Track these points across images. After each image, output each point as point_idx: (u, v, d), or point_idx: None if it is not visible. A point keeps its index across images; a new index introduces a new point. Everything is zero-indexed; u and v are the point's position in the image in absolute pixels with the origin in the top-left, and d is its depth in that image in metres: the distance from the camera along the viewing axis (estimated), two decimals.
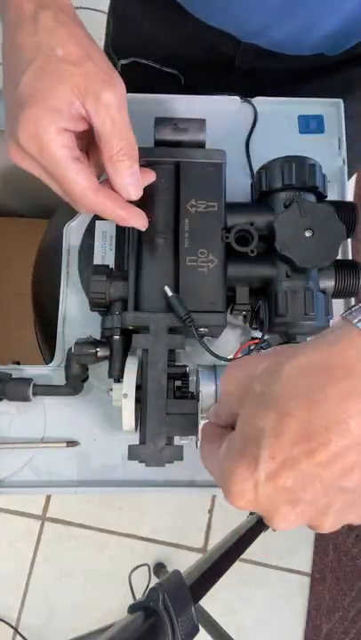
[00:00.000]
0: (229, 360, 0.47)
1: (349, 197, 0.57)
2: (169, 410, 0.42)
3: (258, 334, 0.49)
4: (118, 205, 0.41)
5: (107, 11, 0.71)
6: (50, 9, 0.37)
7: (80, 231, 0.55)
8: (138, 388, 0.44)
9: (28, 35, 0.37)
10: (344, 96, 0.60)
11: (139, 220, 0.43)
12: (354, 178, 1.53)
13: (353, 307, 0.27)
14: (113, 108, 0.37)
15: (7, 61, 0.39)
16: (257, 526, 0.32)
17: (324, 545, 1.28)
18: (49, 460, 0.51)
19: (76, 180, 0.38)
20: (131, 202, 0.42)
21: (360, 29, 0.55)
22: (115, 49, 0.71)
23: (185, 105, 0.59)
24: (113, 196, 0.41)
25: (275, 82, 0.62)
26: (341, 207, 0.49)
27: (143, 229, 0.44)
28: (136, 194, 0.42)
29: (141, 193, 0.42)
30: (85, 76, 0.37)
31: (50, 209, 0.75)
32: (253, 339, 0.51)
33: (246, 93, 0.60)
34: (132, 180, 0.41)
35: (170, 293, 0.44)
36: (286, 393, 0.26)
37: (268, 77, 0.63)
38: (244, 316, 0.51)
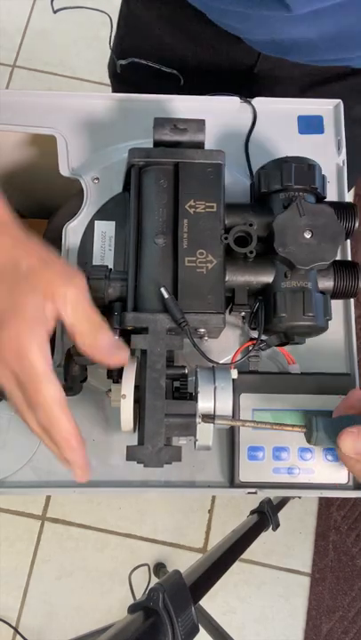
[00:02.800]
0: (223, 364, 0.47)
1: (348, 198, 0.57)
2: (167, 411, 0.42)
3: (257, 335, 0.49)
4: (74, 431, 0.40)
5: (108, 11, 0.71)
6: None
7: (80, 231, 0.55)
8: (136, 388, 0.44)
9: None
10: (355, 100, 0.60)
11: (76, 462, 0.41)
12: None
13: None
14: (80, 302, 0.39)
15: None
16: (257, 526, 0.32)
17: (324, 545, 1.28)
18: (49, 459, 0.51)
19: (50, 392, 0.38)
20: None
21: None
22: (120, 50, 0.71)
23: (184, 105, 0.59)
24: (72, 421, 0.40)
25: (290, 88, 0.62)
26: (341, 208, 0.49)
27: (81, 479, 0.41)
28: (118, 359, 0.42)
29: (121, 359, 0.42)
30: (51, 283, 0.38)
31: (50, 209, 0.75)
32: (252, 339, 0.51)
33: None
34: (109, 345, 0.41)
35: (166, 295, 0.44)
36: None
37: (284, 84, 0.62)
38: (243, 317, 0.51)
